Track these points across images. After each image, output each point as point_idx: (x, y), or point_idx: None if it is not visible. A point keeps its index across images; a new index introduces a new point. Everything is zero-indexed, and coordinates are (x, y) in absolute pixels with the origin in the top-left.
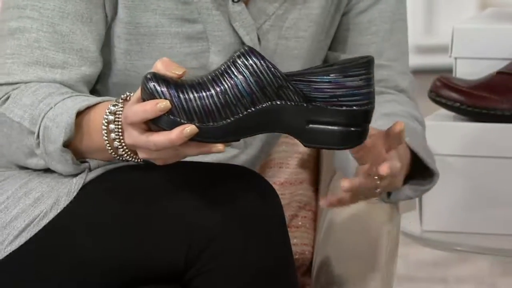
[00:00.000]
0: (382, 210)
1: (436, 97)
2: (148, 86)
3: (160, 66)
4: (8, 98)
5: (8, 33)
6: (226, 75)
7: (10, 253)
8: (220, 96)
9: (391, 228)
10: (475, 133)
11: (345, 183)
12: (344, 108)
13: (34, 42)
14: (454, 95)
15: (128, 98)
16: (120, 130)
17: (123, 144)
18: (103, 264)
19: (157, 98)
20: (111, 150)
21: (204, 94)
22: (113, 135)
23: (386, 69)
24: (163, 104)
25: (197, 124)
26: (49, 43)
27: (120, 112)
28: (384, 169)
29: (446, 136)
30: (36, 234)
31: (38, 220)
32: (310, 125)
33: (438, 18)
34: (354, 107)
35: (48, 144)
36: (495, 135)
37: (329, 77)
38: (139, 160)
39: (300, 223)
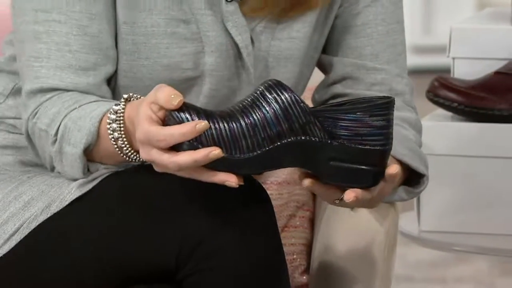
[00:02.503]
0: (380, 210)
1: (434, 97)
2: (179, 116)
3: (161, 96)
4: (40, 109)
5: (33, 36)
6: (256, 107)
7: (1, 256)
8: (250, 128)
9: (389, 228)
10: (473, 133)
11: (305, 182)
12: (367, 147)
13: (65, 46)
14: (452, 95)
15: (130, 99)
16: (122, 129)
17: (126, 143)
18: (95, 266)
19: None
20: (118, 150)
21: (234, 125)
22: (116, 134)
23: (381, 72)
24: (201, 125)
25: (225, 155)
26: (80, 46)
27: (122, 111)
28: (349, 196)
29: (444, 136)
30: (26, 237)
31: (28, 223)
32: (332, 162)
33: (436, 18)
34: (377, 147)
35: (66, 145)
36: (493, 135)
37: (356, 116)
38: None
39: (298, 223)
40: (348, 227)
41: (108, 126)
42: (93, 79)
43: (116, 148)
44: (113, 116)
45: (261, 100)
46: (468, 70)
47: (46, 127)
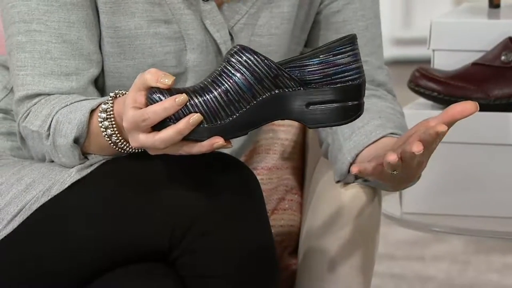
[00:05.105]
0: (365, 194)
1: (415, 87)
2: (153, 98)
3: (149, 77)
4: (29, 113)
5: (18, 46)
6: (224, 75)
7: (4, 237)
8: (223, 96)
9: (373, 210)
10: None
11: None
12: (339, 85)
13: (46, 54)
14: (432, 85)
15: (118, 95)
16: (114, 125)
17: (120, 137)
18: (92, 246)
19: None
20: (112, 145)
21: (207, 97)
22: (109, 131)
23: (363, 65)
24: (181, 99)
25: (205, 125)
26: (60, 53)
27: (111, 109)
28: (391, 158)
29: None
30: (28, 218)
31: (30, 204)
32: (310, 107)
33: (417, 13)
34: (349, 82)
35: (58, 138)
36: (470, 122)
37: (319, 59)
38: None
39: (287, 205)
40: (334, 209)
41: (100, 124)
42: (76, 84)
43: (110, 143)
44: (104, 115)
45: (228, 67)
46: (447, 61)
47: (38, 128)
